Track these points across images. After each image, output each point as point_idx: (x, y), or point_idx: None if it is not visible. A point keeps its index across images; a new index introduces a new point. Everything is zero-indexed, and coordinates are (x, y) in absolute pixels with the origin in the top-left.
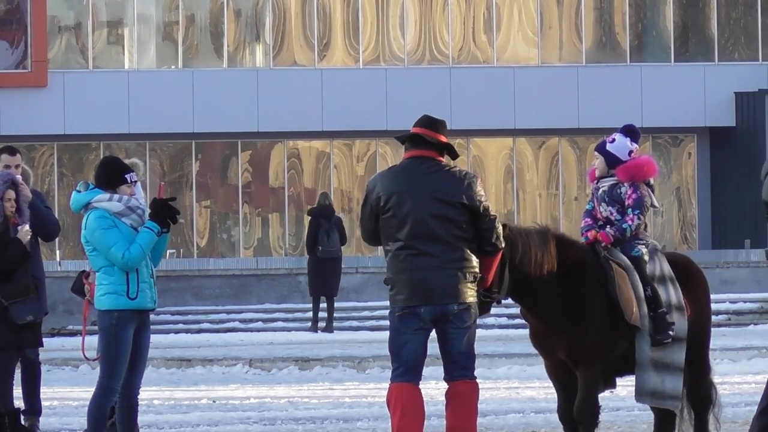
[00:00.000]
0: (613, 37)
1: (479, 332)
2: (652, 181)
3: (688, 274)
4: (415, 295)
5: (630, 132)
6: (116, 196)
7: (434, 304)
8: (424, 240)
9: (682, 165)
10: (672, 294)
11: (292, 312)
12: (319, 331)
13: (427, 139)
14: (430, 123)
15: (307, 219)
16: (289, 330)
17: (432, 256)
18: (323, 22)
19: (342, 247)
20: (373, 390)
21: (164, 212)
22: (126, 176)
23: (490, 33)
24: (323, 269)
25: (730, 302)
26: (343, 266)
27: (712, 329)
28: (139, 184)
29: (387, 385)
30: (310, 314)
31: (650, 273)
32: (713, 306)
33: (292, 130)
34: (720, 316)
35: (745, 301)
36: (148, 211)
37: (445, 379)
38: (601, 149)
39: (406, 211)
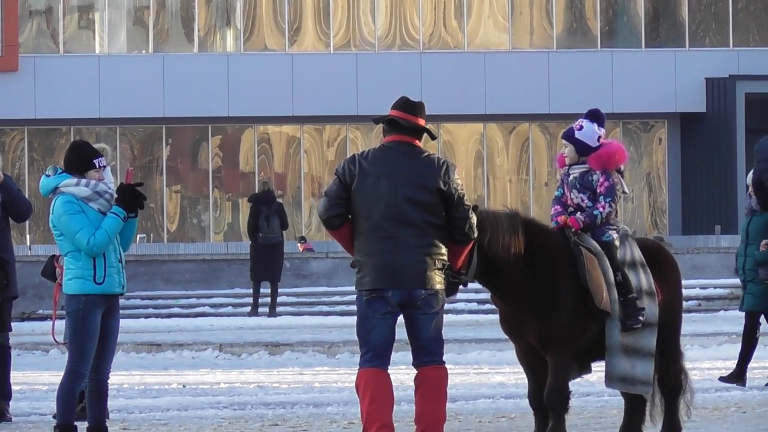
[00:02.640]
0: (583, 22)
1: (449, 317)
2: (622, 167)
3: (659, 260)
4: (382, 278)
5: (596, 117)
6: (83, 181)
7: (402, 287)
8: (396, 223)
9: (653, 151)
10: (643, 279)
11: (263, 297)
12: (272, 316)
13: (405, 124)
14: (408, 106)
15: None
16: (259, 315)
17: (402, 240)
18: (294, 7)
19: (284, 232)
20: (343, 375)
21: (131, 197)
22: (94, 161)
23: (460, 18)
24: (264, 255)
25: (701, 288)
26: (314, 250)
27: (683, 315)
28: (108, 168)
29: (356, 369)
30: (281, 299)
31: (621, 258)
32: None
33: (262, 115)
34: (690, 302)
35: (715, 287)
36: (113, 188)
37: (414, 365)
38: (570, 137)
39: (380, 192)
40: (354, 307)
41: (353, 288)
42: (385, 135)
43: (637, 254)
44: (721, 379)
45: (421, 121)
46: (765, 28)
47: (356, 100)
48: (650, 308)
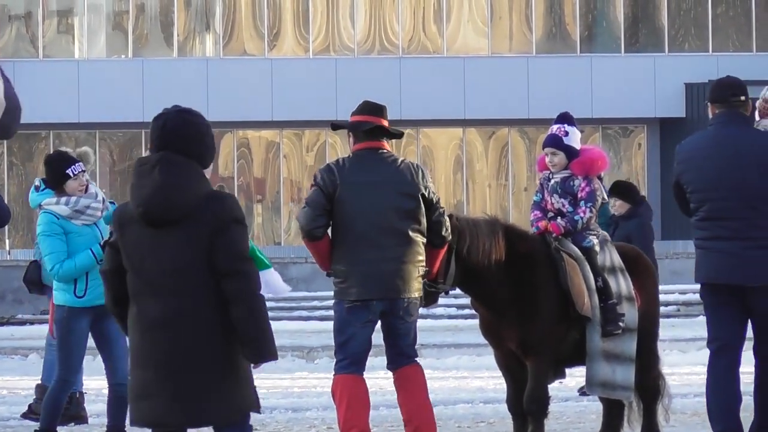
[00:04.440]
0: (563, 27)
1: (428, 322)
2: (602, 174)
3: (637, 265)
4: (369, 288)
5: (571, 120)
6: (63, 199)
7: (386, 297)
8: (381, 232)
9: (632, 156)
10: (622, 285)
11: None
12: None
13: (373, 128)
14: (372, 109)
15: (256, 209)
16: None
17: (388, 249)
18: (273, 12)
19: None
20: (323, 380)
21: None
22: (68, 171)
23: (440, 23)
24: None
25: (680, 293)
26: (292, 256)
27: (662, 320)
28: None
29: (333, 376)
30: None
31: (601, 264)
32: (663, 297)
33: (241, 120)
34: (669, 307)
35: (694, 292)
36: (99, 200)
37: (390, 368)
38: (559, 144)
39: (365, 202)
40: (333, 312)
41: (332, 293)
42: (357, 142)
43: (617, 260)
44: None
45: (385, 123)
46: (744, 34)
47: (336, 105)
48: (630, 314)
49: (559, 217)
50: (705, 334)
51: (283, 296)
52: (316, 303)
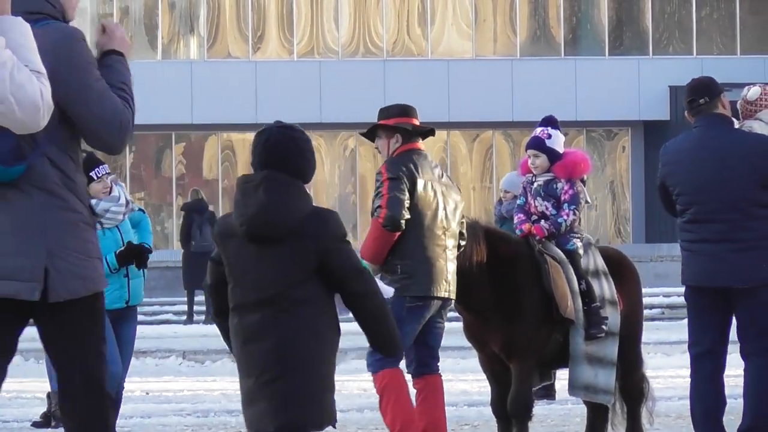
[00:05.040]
0: (547, 30)
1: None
2: (585, 177)
3: (620, 269)
4: (435, 286)
5: (555, 123)
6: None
7: (443, 297)
8: (444, 231)
9: (616, 158)
10: (606, 288)
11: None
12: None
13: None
14: (413, 111)
15: None
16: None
17: (448, 249)
18: (257, 15)
19: None
20: None
21: (133, 258)
22: (92, 173)
23: (424, 26)
24: (196, 263)
25: (664, 296)
26: None
27: (646, 323)
28: (113, 177)
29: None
30: None
31: (584, 267)
32: (647, 300)
33: (226, 122)
34: (654, 310)
35: (679, 295)
36: (122, 204)
37: (422, 372)
38: (542, 147)
39: (432, 199)
40: None
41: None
42: (404, 142)
43: (600, 263)
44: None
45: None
46: (728, 37)
47: (320, 107)
48: (613, 317)
49: (542, 220)
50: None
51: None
52: None
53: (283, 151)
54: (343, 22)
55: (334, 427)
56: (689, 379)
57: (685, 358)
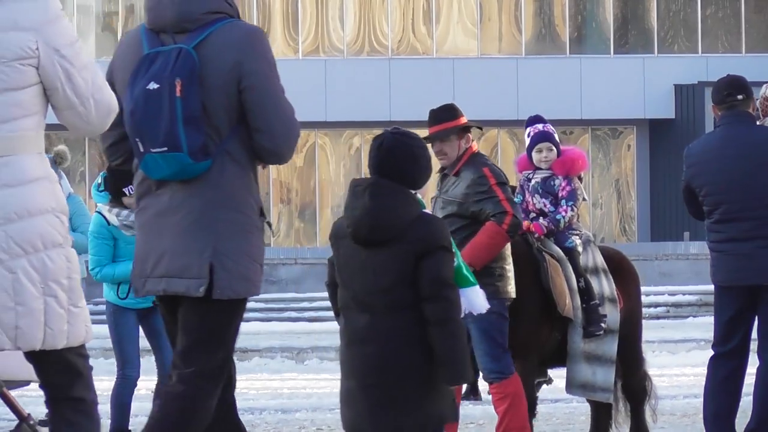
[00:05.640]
0: (552, 28)
1: None
2: (582, 174)
3: (620, 268)
4: (513, 287)
5: (546, 122)
6: (116, 210)
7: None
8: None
9: (622, 157)
10: (605, 286)
11: None
12: None
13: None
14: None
15: None
16: None
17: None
18: (263, 13)
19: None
20: (312, 381)
21: None
22: (125, 189)
23: (429, 24)
24: None
25: (669, 294)
26: (281, 257)
27: (651, 321)
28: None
29: (325, 376)
30: (250, 305)
31: (583, 264)
32: (652, 298)
33: None
34: (659, 309)
35: (684, 294)
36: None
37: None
38: (553, 140)
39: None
40: (322, 314)
41: (321, 294)
42: (470, 141)
43: (599, 260)
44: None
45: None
46: (734, 35)
47: (325, 106)
48: (612, 315)
49: (541, 218)
50: (694, 335)
51: (272, 297)
52: (305, 304)
53: (394, 157)
54: (349, 20)
55: (457, 421)
56: (694, 377)
57: (690, 357)
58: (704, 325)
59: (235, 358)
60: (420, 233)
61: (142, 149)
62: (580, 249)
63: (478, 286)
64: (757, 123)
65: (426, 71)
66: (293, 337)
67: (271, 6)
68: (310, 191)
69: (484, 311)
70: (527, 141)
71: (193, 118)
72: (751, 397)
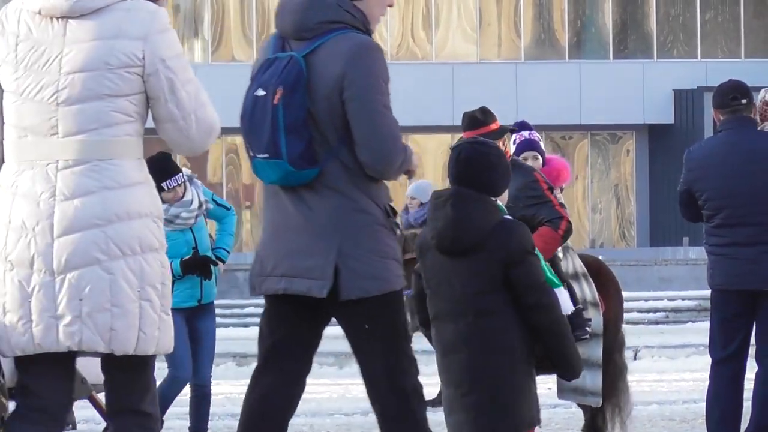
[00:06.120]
0: (551, 33)
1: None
2: (564, 186)
3: (599, 275)
4: None
5: (532, 128)
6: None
7: None
8: None
9: (621, 162)
10: (586, 290)
11: (230, 308)
12: None
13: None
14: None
15: (245, 215)
16: (226, 326)
17: None
18: (262, 18)
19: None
20: (311, 386)
21: (198, 267)
22: (163, 184)
23: (428, 29)
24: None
25: (668, 300)
26: None
27: (651, 327)
28: (192, 180)
29: (324, 381)
30: (248, 310)
31: (564, 270)
32: (652, 303)
33: (230, 126)
34: (658, 314)
35: (683, 299)
36: (193, 208)
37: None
38: (539, 149)
39: None
40: None
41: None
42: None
43: (579, 265)
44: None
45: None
46: (733, 40)
47: None
48: (596, 319)
49: None
50: (693, 340)
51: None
52: None
53: (472, 167)
54: None
55: (539, 426)
56: (693, 382)
57: (689, 362)
58: (703, 331)
59: (234, 363)
60: (502, 240)
61: (251, 153)
62: (560, 255)
63: (562, 287)
64: (758, 128)
65: (425, 76)
66: None
67: (270, 11)
68: None
69: (570, 312)
70: (512, 147)
71: (294, 126)
72: (749, 403)
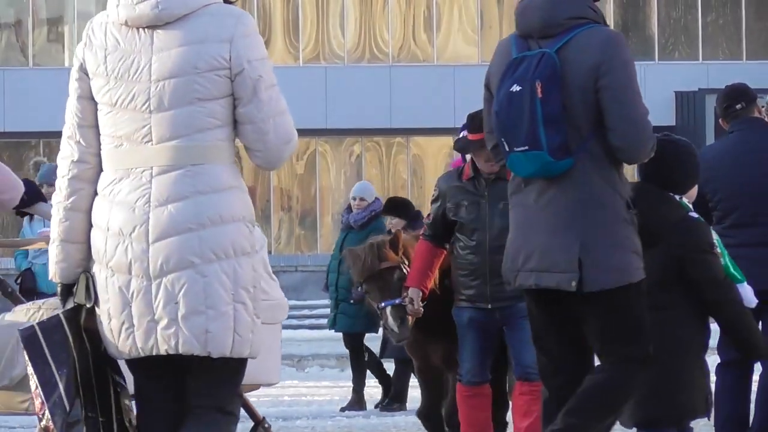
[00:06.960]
0: None
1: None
2: None
3: None
4: None
5: None
6: None
7: None
8: None
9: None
10: None
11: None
12: None
13: None
14: None
15: None
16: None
17: None
18: (263, 20)
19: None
20: (312, 388)
21: None
22: None
23: (430, 31)
24: None
25: None
26: (282, 264)
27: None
28: None
29: (326, 383)
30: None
31: None
32: None
33: None
34: None
35: None
36: None
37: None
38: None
39: None
40: (323, 321)
41: (322, 302)
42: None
43: None
44: (343, 409)
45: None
46: (734, 42)
47: (325, 113)
48: None
49: None
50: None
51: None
52: (306, 312)
53: (659, 162)
54: (349, 27)
55: (709, 419)
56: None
57: None
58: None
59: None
60: (680, 237)
61: (507, 148)
62: None
63: (745, 282)
64: None
65: (427, 78)
66: (294, 344)
67: (272, 13)
68: (310, 198)
69: (753, 306)
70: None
71: (552, 118)
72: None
